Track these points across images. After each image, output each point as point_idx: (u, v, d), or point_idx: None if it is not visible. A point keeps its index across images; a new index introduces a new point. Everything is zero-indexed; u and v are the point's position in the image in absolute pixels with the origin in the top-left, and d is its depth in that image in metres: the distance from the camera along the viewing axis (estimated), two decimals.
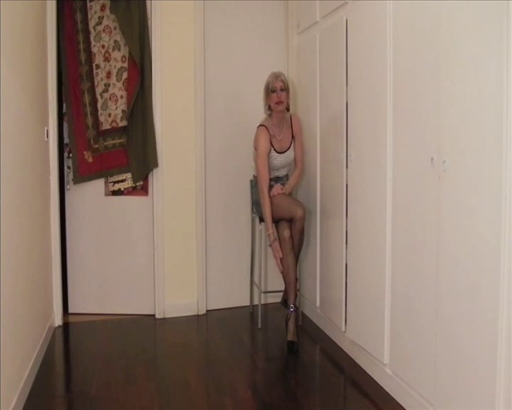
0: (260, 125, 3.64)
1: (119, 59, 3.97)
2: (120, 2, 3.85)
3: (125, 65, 3.96)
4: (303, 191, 4.03)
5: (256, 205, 3.80)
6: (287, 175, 3.83)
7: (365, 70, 2.95)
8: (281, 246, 3.54)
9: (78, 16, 3.96)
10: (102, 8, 3.95)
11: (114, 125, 4.01)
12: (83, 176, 4.02)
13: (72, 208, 4.07)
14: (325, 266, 3.63)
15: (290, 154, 3.70)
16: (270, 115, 3.64)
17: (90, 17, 3.96)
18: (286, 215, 3.56)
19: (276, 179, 3.75)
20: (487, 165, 1.96)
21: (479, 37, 2.00)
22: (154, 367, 3.20)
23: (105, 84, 3.99)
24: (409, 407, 2.56)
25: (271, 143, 3.61)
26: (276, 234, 3.57)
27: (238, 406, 2.69)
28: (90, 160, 4.02)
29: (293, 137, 3.69)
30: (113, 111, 4.00)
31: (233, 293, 4.26)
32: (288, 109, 3.65)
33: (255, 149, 3.66)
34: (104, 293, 4.09)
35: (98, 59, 3.98)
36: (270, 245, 3.55)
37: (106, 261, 4.08)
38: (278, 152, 3.65)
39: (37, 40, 3.38)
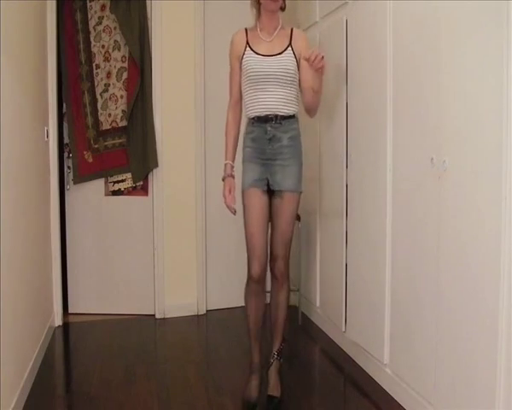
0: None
1: (119, 59, 3.97)
2: (120, 3, 3.85)
3: (125, 65, 3.96)
4: (303, 192, 4.02)
5: None
6: (288, 120, 2.63)
7: (365, 70, 2.95)
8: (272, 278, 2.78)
9: (78, 16, 3.96)
10: (102, 8, 3.95)
11: (114, 125, 4.01)
12: (83, 176, 4.02)
13: (72, 208, 4.07)
14: (325, 266, 3.63)
15: (285, 61, 2.60)
16: (258, 16, 2.70)
17: (90, 17, 3.96)
18: (253, 251, 2.62)
19: (265, 121, 2.62)
20: (487, 165, 1.96)
21: (479, 37, 2.00)
22: (154, 367, 3.20)
23: (105, 85, 3.98)
24: (409, 407, 2.56)
25: (249, 45, 2.67)
26: (233, 170, 2.72)
27: (238, 406, 2.68)
28: (90, 160, 4.03)
29: (294, 54, 2.64)
30: (113, 111, 4.00)
31: (233, 293, 4.25)
32: (282, 9, 2.73)
33: None
34: (104, 293, 4.09)
35: (98, 59, 3.98)
36: (223, 179, 2.71)
37: (106, 261, 4.08)
38: (261, 54, 2.63)
39: (37, 40, 3.38)
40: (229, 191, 2.68)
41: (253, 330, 2.71)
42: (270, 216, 2.69)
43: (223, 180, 2.71)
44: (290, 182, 2.65)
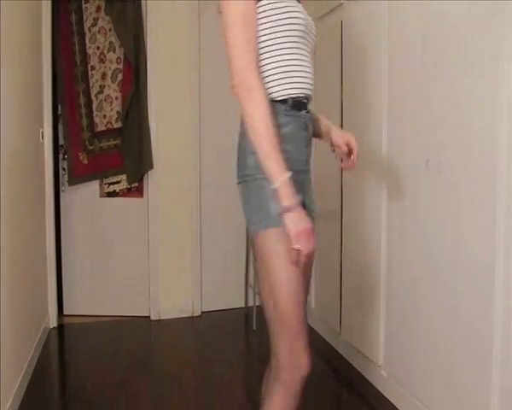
0: None
1: (114, 60, 3.96)
2: (115, 4, 3.84)
3: (120, 66, 3.95)
4: None
5: None
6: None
7: (360, 71, 2.96)
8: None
9: (74, 17, 3.95)
10: (98, 9, 3.95)
11: (109, 126, 4.00)
12: (78, 177, 4.01)
13: (67, 210, 4.06)
14: (320, 267, 3.63)
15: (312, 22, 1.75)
16: None
17: (85, 18, 3.95)
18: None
19: (300, 107, 1.58)
20: (482, 166, 1.97)
21: (475, 38, 2.00)
22: (149, 369, 3.19)
23: (100, 86, 3.98)
24: (403, 408, 2.57)
25: None
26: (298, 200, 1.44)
27: (233, 407, 2.69)
28: (85, 161, 4.02)
29: None
30: (108, 112, 3.99)
31: (228, 294, 4.26)
32: None
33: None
34: (99, 294, 4.08)
35: (93, 60, 3.97)
36: (288, 210, 1.41)
37: (101, 263, 4.07)
38: None
39: (33, 41, 3.37)
40: (312, 229, 1.43)
41: None
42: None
43: (286, 211, 1.40)
44: (314, 200, 1.69)
